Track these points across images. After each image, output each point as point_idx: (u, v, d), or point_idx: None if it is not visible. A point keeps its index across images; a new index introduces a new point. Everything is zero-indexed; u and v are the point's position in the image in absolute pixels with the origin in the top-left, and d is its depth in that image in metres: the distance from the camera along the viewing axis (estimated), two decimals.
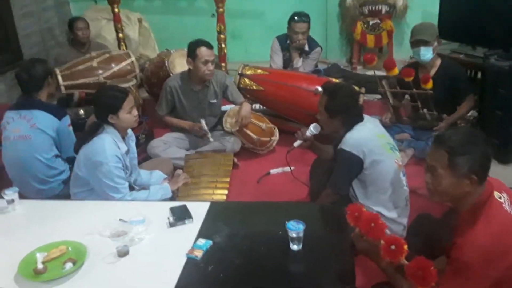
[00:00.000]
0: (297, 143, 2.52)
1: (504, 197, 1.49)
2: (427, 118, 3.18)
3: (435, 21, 3.71)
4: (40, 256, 1.66)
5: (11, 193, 2.04)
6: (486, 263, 1.37)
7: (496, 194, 1.47)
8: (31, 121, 2.58)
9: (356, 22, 5.17)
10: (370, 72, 5.03)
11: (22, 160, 2.60)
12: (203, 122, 3.29)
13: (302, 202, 2.61)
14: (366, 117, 2.32)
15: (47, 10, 5.45)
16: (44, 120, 2.60)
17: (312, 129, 2.47)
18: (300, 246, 1.69)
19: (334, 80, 3.59)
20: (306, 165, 2.92)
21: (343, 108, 2.25)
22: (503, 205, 1.46)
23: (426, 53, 3.11)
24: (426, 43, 3.08)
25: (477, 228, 1.41)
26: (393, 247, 1.43)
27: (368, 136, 2.24)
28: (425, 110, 3.16)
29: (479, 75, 3.50)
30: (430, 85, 3.02)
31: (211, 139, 3.32)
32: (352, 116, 2.27)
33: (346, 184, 2.26)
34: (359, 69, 5.31)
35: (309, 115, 3.41)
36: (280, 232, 1.74)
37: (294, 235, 1.68)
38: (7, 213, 2.03)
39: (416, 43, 3.12)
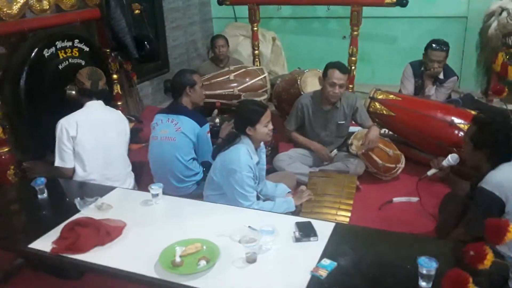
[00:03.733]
0: (431, 171, 2.42)
1: None
2: None
3: None
4: (179, 250, 1.79)
5: (156, 188, 2.26)
6: None
7: None
8: (177, 125, 2.85)
9: (497, 52, 4.80)
10: (510, 106, 4.64)
11: (165, 158, 2.87)
12: (334, 151, 3.35)
13: (433, 237, 2.49)
14: None
15: (193, 24, 5.98)
16: (188, 125, 2.85)
17: (450, 159, 2.35)
18: (430, 285, 1.61)
19: (472, 112, 3.38)
20: (434, 197, 2.80)
21: (491, 142, 2.10)
22: None
23: None
24: None
25: None
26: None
27: None
28: None
29: None
30: None
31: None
32: (499, 153, 2.10)
33: (482, 226, 2.10)
34: (496, 102, 4.91)
35: (441, 147, 3.27)
36: (409, 266, 1.68)
37: (425, 272, 1.61)
38: (151, 206, 2.25)
39: None
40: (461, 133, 3.15)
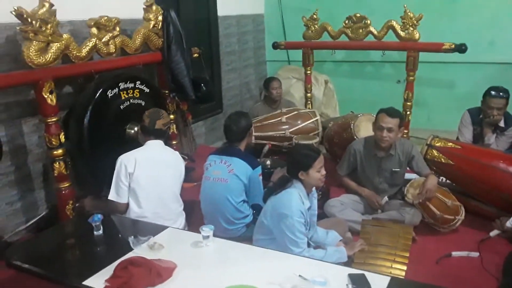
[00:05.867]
0: (493, 232, 2.30)
1: None
2: None
3: None
4: None
5: (207, 230, 2.26)
6: None
7: None
8: (229, 166, 2.88)
9: None
10: None
11: (216, 199, 2.89)
12: (385, 199, 3.26)
13: None
14: None
15: (248, 67, 6.15)
16: (240, 167, 2.87)
17: None
18: None
19: None
20: (496, 255, 2.62)
21: None
22: None
23: None
24: None
25: None
26: None
27: None
28: None
29: None
30: None
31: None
32: None
33: None
34: None
35: (503, 199, 3.09)
36: None
37: None
38: (201, 248, 2.24)
39: None
40: None
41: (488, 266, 2.64)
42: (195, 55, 4.29)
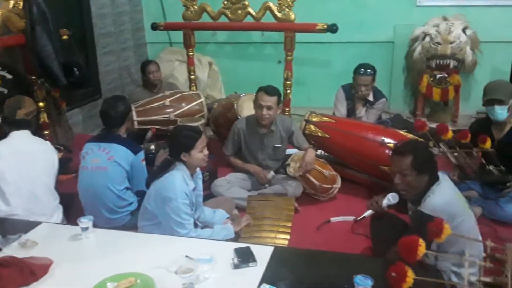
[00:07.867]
0: (368, 212, 2.48)
1: None
2: (494, 174, 3.05)
3: (505, 78, 3.60)
4: (110, 286, 1.72)
5: (86, 221, 2.14)
6: None
7: None
8: (109, 153, 2.74)
9: (422, 75, 5.11)
10: (432, 125, 4.93)
11: (96, 189, 2.74)
12: (272, 173, 3.36)
13: (369, 256, 2.54)
14: (440, 174, 2.24)
15: (127, 50, 5.85)
16: (121, 153, 2.74)
17: (391, 199, 2.38)
18: None
19: (400, 132, 3.55)
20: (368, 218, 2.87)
21: (431, 161, 2.18)
22: None
23: (502, 112, 3.00)
24: (501, 102, 2.98)
25: None
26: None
27: (451, 199, 2.14)
28: (491, 167, 3.04)
29: None
30: (488, 145, 2.96)
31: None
32: (434, 172, 2.19)
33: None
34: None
35: (373, 166, 3.39)
36: (346, 286, 1.70)
37: None
38: (80, 240, 2.13)
39: (490, 102, 3.02)
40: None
41: (360, 227, 2.90)
42: (65, 37, 3.97)
